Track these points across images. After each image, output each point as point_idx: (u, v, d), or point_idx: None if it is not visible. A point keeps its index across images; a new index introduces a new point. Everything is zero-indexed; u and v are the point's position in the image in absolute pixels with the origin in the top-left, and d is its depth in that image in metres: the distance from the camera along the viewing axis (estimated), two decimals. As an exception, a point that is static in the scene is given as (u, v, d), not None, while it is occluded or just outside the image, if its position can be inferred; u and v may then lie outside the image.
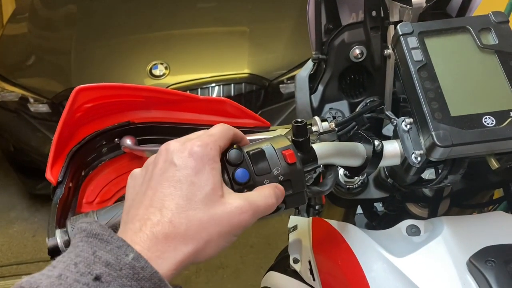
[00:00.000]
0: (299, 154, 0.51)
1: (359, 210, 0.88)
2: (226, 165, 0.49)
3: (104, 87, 0.56)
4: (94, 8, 2.43)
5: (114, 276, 0.36)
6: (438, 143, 0.51)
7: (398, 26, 0.59)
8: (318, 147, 0.54)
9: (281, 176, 0.50)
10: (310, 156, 0.53)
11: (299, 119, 0.53)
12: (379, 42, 0.80)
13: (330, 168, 0.57)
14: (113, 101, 0.59)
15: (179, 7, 2.38)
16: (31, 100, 2.18)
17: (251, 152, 0.50)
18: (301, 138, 0.52)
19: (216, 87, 2.06)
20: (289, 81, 2.16)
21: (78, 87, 0.55)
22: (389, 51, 0.78)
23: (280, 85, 2.14)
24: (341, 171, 0.73)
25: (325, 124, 0.61)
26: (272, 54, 2.18)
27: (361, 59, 0.83)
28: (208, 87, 2.05)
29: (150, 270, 0.38)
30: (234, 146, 0.50)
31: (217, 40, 2.21)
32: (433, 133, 0.51)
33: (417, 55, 0.56)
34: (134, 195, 0.46)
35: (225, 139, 0.48)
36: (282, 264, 0.73)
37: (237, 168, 0.48)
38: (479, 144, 0.51)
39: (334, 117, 0.86)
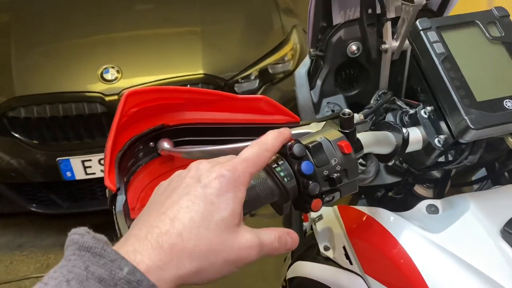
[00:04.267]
0: None
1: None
2: (290, 159, 0.51)
3: (153, 90, 0.55)
4: (32, 14, 2.28)
5: None
6: (472, 126, 0.56)
7: (417, 22, 0.64)
8: (362, 137, 0.58)
9: (338, 166, 0.52)
10: (358, 146, 0.56)
11: (346, 111, 0.56)
12: (375, 38, 0.85)
13: (369, 156, 0.61)
14: (152, 105, 0.58)
15: (123, 9, 2.30)
16: (-30, 112, 2.01)
17: (310, 145, 0.52)
18: (349, 129, 0.55)
19: (171, 89, 2.04)
20: (243, 81, 2.18)
21: (128, 90, 0.54)
22: (386, 45, 0.84)
23: (235, 85, 2.16)
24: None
25: (356, 115, 0.65)
26: (226, 54, 2.19)
27: (357, 55, 0.88)
28: (164, 90, 2.01)
29: (147, 284, 0.37)
30: (294, 140, 0.52)
31: (169, 41, 2.18)
32: (466, 117, 0.57)
33: (439, 48, 0.61)
34: (152, 203, 0.46)
35: (258, 164, 0.47)
36: (308, 254, 0.76)
37: (302, 161, 0.51)
38: (503, 125, 0.58)
39: (332, 111, 0.91)
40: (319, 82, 0.90)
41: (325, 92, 0.91)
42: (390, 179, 0.78)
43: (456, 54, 0.61)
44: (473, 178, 0.90)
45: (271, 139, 0.49)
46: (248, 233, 0.45)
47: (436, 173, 0.77)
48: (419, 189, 0.81)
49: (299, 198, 0.52)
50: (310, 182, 0.50)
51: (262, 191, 0.50)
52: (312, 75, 0.91)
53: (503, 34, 0.63)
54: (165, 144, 0.61)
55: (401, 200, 0.84)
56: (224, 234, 0.42)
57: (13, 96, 1.96)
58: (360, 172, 0.59)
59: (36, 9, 2.30)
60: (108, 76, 2.02)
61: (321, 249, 0.71)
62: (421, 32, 0.63)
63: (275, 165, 0.51)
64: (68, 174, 2.04)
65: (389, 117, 0.77)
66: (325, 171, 0.52)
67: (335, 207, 0.73)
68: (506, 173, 0.82)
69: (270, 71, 2.22)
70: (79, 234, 0.38)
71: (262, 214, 2.44)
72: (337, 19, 0.90)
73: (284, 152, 0.51)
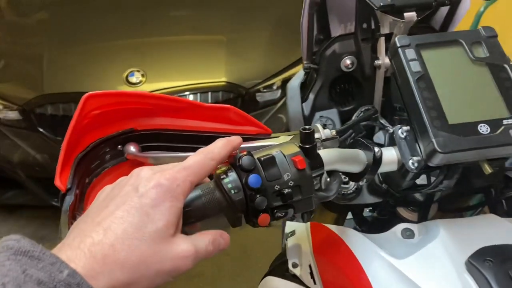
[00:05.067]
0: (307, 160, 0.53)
1: (349, 216, 0.91)
2: (239, 170, 0.50)
3: (113, 94, 0.56)
4: (66, 15, 2.38)
5: None
6: (439, 149, 0.54)
7: (396, 39, 0.62)
8: (324, 154, 0.56)
9: (291, 182, 0.51)
10: (317, 162, 0.55)
11: (306, 127, 0.54)
12: (369, 53, 0.83)
13: (334, 174, 0.59)
14: (118, 108, 0.59)
15: (154, 15, 2.37)
16: (0, 106, 2.11)
17: (262, 158, 0.51)
18: (309, 145, 0.54)
19: (193, 95, 2.07)
20: (265, 90, 2.18)
21: (87, 94, 0.55)
22: (379, 62, 0.81)
23: (257, 94, 2.16)
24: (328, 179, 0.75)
25: (327, 131, 0.63)
26: (249, 63, 2.20)
27: (351, 69, 0.86)
28: (186, 95, 2.04)
29: (86, 287, 0.37)
30: (246, 152, 0.51)
31: (194, 48, 2.21)
32: (433, 140, 0.54)
33: (415, 66, 0.59)
34: (91, 210, 0.46)
35: (200, 173, 0.47)
36: (279, 269, 0.74)
37: (250, 174, 0.50)
38: (475, 150, 0.55)
39: (324, 125, 0.89)
40: (311, 96, 0.88)
41: (318, 106, 0.89)
42: (371, 199, 0.76)
43: (434, 74, 0.59)
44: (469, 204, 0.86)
45: (218, 148, 0.49)
46: (184, 242, 0.44)
47: (419, 196, 0.74)
48: (403, 212, 0.78)
49: (247, 211, 0.51)
50: (258, 196, 0.49)
51: (208, 202, 0.49)
52: (305, 88, 0.90)
53: (487, 55, 0.60)
54: (132, 148, 0.62)
55: (386, 222, 0.81)
56: (158, 245, 0.42)
57: (41, 93, 2.04)
58: (320, 189, 0.57)
59: (71, 11, 2.40)
60: (133, 79, 2.08)
61: (290, 266, 0.69)
62: (399, 49, 0.61)
63: (224, 176, 0.50)
64: (89, 171, 2.10)
65: (380, 135, 0.75)
66: (276, 186, 0.50)
67: (308, 223, 0.71)
68: (503, 201, 0.78)
69: (294, 82, 2.21)
70: (14, 240, 0.38)
71: (276, 225, 2.44)
72: (337, 31, 0.89)
73: (234, 163, 0.51)
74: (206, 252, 0.46)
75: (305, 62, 0.88)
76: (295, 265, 0.69)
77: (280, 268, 0.74)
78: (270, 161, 0.51)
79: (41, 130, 2.07)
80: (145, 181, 0.44)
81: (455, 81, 0.59)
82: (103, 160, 0.61)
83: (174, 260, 0.43)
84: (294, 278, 0.69)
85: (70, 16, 2.37)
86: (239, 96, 2.11)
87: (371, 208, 0.89)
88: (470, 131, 0.55)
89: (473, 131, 0.55)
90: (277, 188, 0.50)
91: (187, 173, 0.46)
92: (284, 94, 2.21)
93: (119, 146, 0.63)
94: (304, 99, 0.89)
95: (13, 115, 2.11)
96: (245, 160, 0.50)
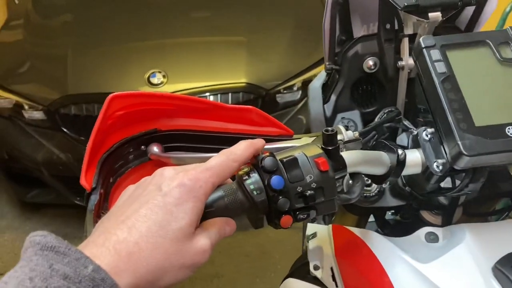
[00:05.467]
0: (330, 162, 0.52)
1: (371, 218, 0.90)
2: (261, 172, 0.50)
3: (137, 95, 0.57)
4: (90, 17, 2.43)
5: None
6: (464, 152, 0.53)
7: (420, 39, 0.61)
8: (347, 155, 0.55)
9: (313, 184, 0.51)
10: (340, 164, 0.54)
11: (329, 128, 0.54)
12: (392, 54, 0.82)
13: (356, 176, 0.58)
14: (142, 109, 0.60)
15: (175, 16, 2.39)
16: (26, 106, 2.16)
17: (284, 160, 0.51)
18: (331, 147, 0.54)
19: (213, 96, 2.08)
20: (285, 91, 2.18)
21: (112, 94, 0.56)
22: (402, 62, 0.80)
23: (277, 95, 2.16)
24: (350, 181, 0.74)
25: (350, 133, 0.63)
26: (269, 64, 2.20)
27: (374, 70, 0.85)
28: (206, 96, 2.06)
29: (110, 282, 0.38)
30: (268, 153, 0.51)
31: (214, 49, 2.22)
32: (459, 142, 0.53)
33: (441, 67, 0.58)
34: (115, 208, 0.47)
35: (223, 175, 0.47)
36: (300, 271, 0.74)
37: (272, 175, 0.49)
38: (503, 153, 0.53)
39: (346, 127, 0.88)
40: (333, 97, 0.88)
41: (339, 107, 0.88)
42: (394, 202, 0.75)
43: (459, 75, 0.58)
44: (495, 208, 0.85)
45: (241, 150, 0.49)
46: (202, 238, 0.45)
47: (444, 200, 0.73)
48: (426, 215, 0.77)
49: (270, 213, 0.51)
50: (280, 198, 0.49)
51: (231, 202, 0.50)
52: (327, 89, 0.90)
53: (515, 56, 0.59)
54: (155, 149, 0.62)
55: (408, 225, 0.80)
56: (181, 242, 0.43)
57: (66, 94, 2.08)
58: (343, 192, 0.57)
59: (95, 13, 2.44)
60: (155, 80, 2.10)
61: (311, 268, 0.69)
62: (424, 50, 0.60)
63: (246, 177, 0.50)
64: (111, 171, 2.13)
65: (403, 137, 0.74)
66: (298, 188, 0.50)
67: (330, 226, 0.71)
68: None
69: (314, 83, 2.20)
70: (41, 236, 0.39)
71: (296, 226, 2.43)
72: (359, 32, 0.88)
73: (257, 164, 0.51)
74: (216, 241, 0.47)
75: (327, 63, 0.87)
76: (316, 268, 0.69)
77: (301, 270, 0.74)
78: (292, 163, 0.51)
79: (65, 130, 2.11)
80: (168, 181, 0.45)
81: (482, 82, 0.58)
82: (127, 160, 0.62)
83: (195, 256, 0.44)
84: (315, 281, 0.69)
85: (93, 18, 2.41)
86: (260, 97, 2.11)
87: (393, 211, 0.88)
88: (497, 133, 0.54)
89: (501, 133, 0.54)
90: (299, 190, 0.50)
91: (209, 174, 0.46)
92: (304, 95, 2.20)
93: (143, 146, 0.63)
94: (326, 100, 0.88)
95: (38, 115, 2.15)
96: (267, 161, 0.50)
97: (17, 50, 2.36)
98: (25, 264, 0.37)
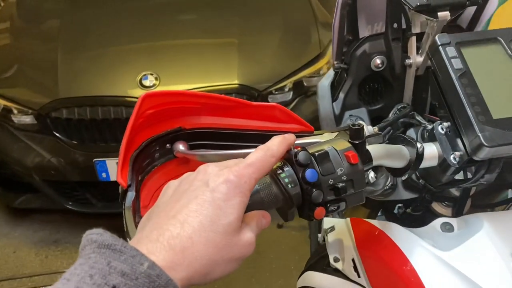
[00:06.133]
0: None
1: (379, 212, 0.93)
2: (295, 166, 0.52)
3: (168, 94, 0.58)
4: (79, 20, 2.41)
5: (130, 286, 0.37)
6: (485, 143, 0.55)
7: (436, 37, 0.63)
8: (372, 149, 0.58)
9: (344, 176, 0.53)
10: (366, 158, 0.57)
11: (356, 123, 0.56)
12: (400, 52, 0.85)
13: (380, 169, 0.61)
14: (168, 107, 0.61)
15: (166, 19, 2.39)
16: (15, 111, 2.13)
17: (316, 154, 0.53)
18: (358, 141, 0.56)
19: (206, 98, 2.08)
20: (277, 92, 2.20)
21: (145, 93, 0.57)
22: (410, 60, 0.83)
23: (269, 96, 2.18)
24: (371, 174, 0.77)
25: (370, 128, 0.65)
26: (260, 65, 2.22)
27: (381, 69, 0.88)
28: (199, 98, 2.06)
29: (165, 278, 0.39)
30: (301, 148, 0.53)
31: (206, 51, 2.23)
32: (479, 134, 0.56)
33: (457, 63, 0.61)
34: (162, 204, 0.48)
35: (263, 170, 0.49)
36: (319, 264, 0.76)
37: (307, 169, 0.51)
38: (520, 144, 0.56)
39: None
40: (342, 95, 0.90)
41: (347, 105, 0.91)
42: (407, 195, 0.77)
43: (475, 70, 0.61)
44: (501, 199, 0.88)
45: (276, 145, 0.50)
46: (248, 231, 0.47)
47: (455, 192, 0.76)
48: (437, 207, 0.80)
49: (303, 205, 0.53)
50: (314, 190, 0.51)
51: (266, 196, 0.51)
52: (335, 87, 0.92)
53: (526, 52, 0.62)
54: (181, 147, 0.63)
55: (419, 217, 0.83)
56: (230, 236, 0.45)
57: (57, 98, 2.05)
58: (369, 184, 0.59)
59: (84, 16, 2.42)
60: (147, 83, 2.09)
61: (331, 261, 0.71)
62: (440, 47, 0.62)
63: (280, 171, 0.52)
64: (104, 175, 2.12)
65: (411, 133, 0.77)
66: (330, 180, 0.52)
67: (348, 219, 0.73)
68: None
69: (305, 83, 2.23)
70: (97, 234, 0.41)
71: (290, 226, 2.45)
72: (364, 32, 0.91)
73: (289, 158, 0.52)
74: (257, 235, 0.49)
75: (335, 62, 0.90)
76: (336, 260, 0.71)
77: (319, 263, 0.76)
78: (324, 156, 0.53)
79: (56, 134, 2.09)
80: (214, 177, 0.46)
81: (496, 77, 0.61)
82: (153, 158, 0.63)
83: (243, 248, 0.46)
84: (336, 272, 0.71)
85: (82, 22, 2.39)
86: (252, 98, 2.13)
87: (400, 205, 0.90)
88: (514, 125, 0.57)
89: (517, 125, 0.57)
90: (331, 182, 0.52)
91: (252, 170, 0.47)
92: (295, 95, 2.23)
93: (168, 145, 0.64)
94: (334, 98, 0.91)
95: (28, 119, 2.12)
96: (301, 156, 0.51)
97: (5, 54, 2.32)
98: (84, 261, 0.38)
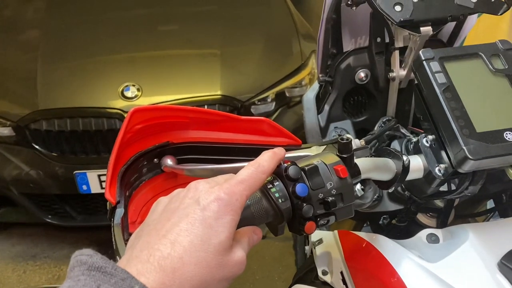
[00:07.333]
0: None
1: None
2: (285, 180, 0.52)
3: (157, 109, 0.58)
4: (58, 30, 2.38)
5: None
6: (470, 156, 0.57)
7: (420, 52, 0.65)
8: (360, 163, 0.58)
9: (334, 190, 0.53)
10: (355, 171, 0.57)
11: (344, 137, 0.57)
12: (383, 66, 0.86)
13: (368, 182, 0.61)
14: (156, 122, 0.60)
15: (147, 30, 2.38)
16: (-9, 123, 2.09)
17: (306, 168, 0.53)
18: (347, 154, 0.56)
19: (189, 109, 2.07)
20: (259, 103, 2.21)
21: (134, 108, 0.56)
22: (393, 74, 0.85)
23: (252, 106, 2.19)
24: (358, 186, 0.77)
25: (357, 141, 0.66)
26: (243, 76, 2.23)
27: (365, 82, 0.89)
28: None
29: None
30: (290, 162, 0.53)
31: (188, 62, 2.23)
32: (464, 147, 0.57)
33: (441, 78, 0.62)
34: (152, 222, 0.47)
35: (254, 187, 0.49)
36: (307, 277, 0.76)
37: (297, 183, 0.51)
38: (503, 156, 0.58)
39: (339, 135, 0.92)
40: (327, 107, 0.91)
41: (332, 117, 0.92)
42: (392, 206, 0.78)
43: (458, 85, 0.62)
44: (482, 209, 0.90)
45: (267, 161, 0.50)
46: (239, 250, 0.47)
47: (439, 203, 0.77)
48: (422, 218, 0.81)
49: (293, 219, 0.53)
50: (304, 205, 0.51)
51: (256, 211, 0.51)
52: (320, 100, 0.93)
53: (506, 67, 0.64)
54: (169, 161, 0.63)
55: (404, 228, 0.84)
56: (221, 256, 0.44)
57: (36, 109, 2.02)
58: (357, 197, 0.60)
59: (63, 27, 2.39)
60: (129, 94, 2.08)
61: (319, 273, 0.71)
62: (424, 62, 0.64)
63: (270, 185, 0.52)
64: (84, 187, 2.08)
65: (395, 145, 0.78)
66: (320, 194, 0.52)
67: (336, 231, 0.73)
68: (514, 206, 0.81)
69: (287, 94, 2.24)
70: (87, 255, 0.40)
71: (273, 236, 2.44)
72: (348, 46, 0.93)
73: (279, 173, 0.53)
74: (248, 252, 0.49)
75: (320, 75, 0.91)
76: (325, 273, 0.71)
77: (307, 276, 0.76)
78: (314, 170, 0.53)
79: (35, 146, 2.05)
80: (205, 194, 0.46)
81: (479, 91, 0.62)
82: (141, 173, 0.63)
83: (234, 267, 0.46)
84: (324, 285, 0.71)
85: (63, 31, 2.36)
86: (235, 109, 2.13)
87: (385, 216, 0.91)
88: (496, 138, 0.58)
89: (500, 138, 0.58)
90: (321, 197, 0.52)
91: (243, 187, 0.47)
92: (278, 106, 2.24)
93: (155, 159, 0.64)
94: (319, 111, 0.92)
95: (6, 131, 2.08)
96: (291, 170, 0.52)
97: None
98: (73, 284, 0.38)
